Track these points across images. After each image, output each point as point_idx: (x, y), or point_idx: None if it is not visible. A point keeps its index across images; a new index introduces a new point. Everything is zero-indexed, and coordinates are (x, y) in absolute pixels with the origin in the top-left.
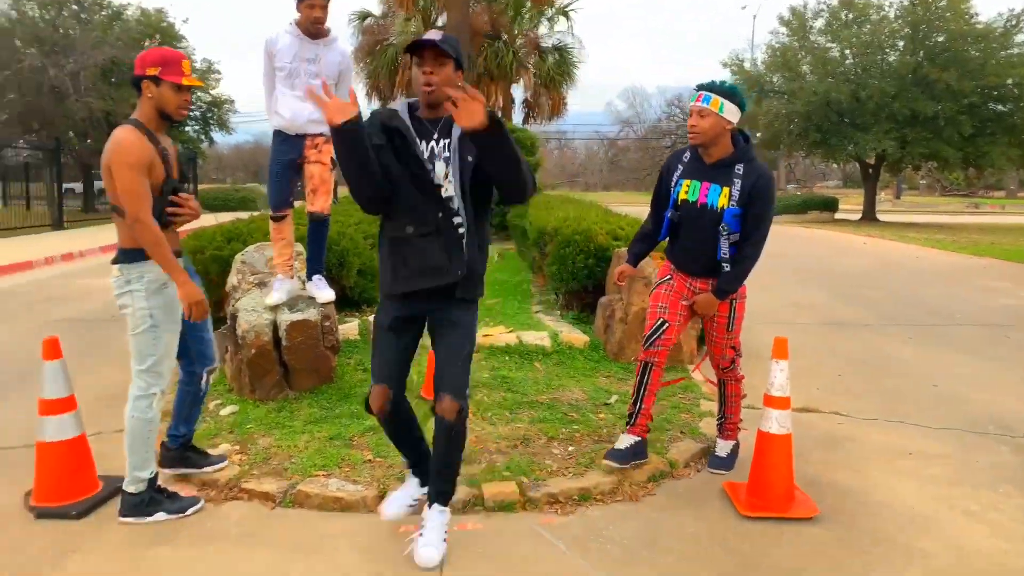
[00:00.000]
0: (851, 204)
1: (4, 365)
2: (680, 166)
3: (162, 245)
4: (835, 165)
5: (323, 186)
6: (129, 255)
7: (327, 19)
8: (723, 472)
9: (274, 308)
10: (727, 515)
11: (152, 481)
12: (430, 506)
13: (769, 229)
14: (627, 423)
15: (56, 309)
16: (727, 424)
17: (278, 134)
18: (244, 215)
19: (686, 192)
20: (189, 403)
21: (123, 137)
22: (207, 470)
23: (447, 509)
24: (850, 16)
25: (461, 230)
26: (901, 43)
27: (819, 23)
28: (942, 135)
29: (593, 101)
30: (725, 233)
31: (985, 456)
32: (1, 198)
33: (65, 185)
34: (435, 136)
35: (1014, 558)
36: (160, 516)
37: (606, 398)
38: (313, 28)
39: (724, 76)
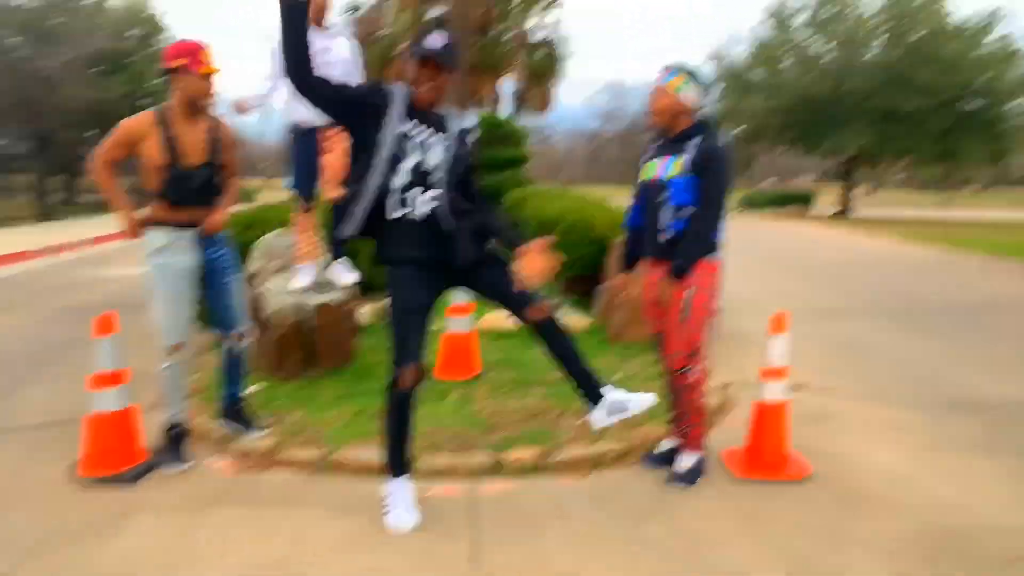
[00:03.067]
0: (827, 200)
1: (21, 350)
2: (647, 153)
3: (104, 183)
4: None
5: (338, 175)
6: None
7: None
8: (680, 486)
9: (300, 291)
10: (730, 477)
11: (171, 427)
12: (600, 403)
13: (723, 203)
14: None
15: (59, 298)
16: (690, 435)
17: (295, 130)
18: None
19: (646, 172)
20: (225, 365)
21: (129, 118)
22: (247, 436)
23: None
24: (833, 10)
25: None
26: (881, 39)
27: (803, 17)
28: (918, 131)
29: (574, 95)
30: (665, 202)
31: (957, 428)
32: None
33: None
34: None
35: (984, 508)
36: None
37: (610, 376)
38: (320, 16)
39: (709, 68)
